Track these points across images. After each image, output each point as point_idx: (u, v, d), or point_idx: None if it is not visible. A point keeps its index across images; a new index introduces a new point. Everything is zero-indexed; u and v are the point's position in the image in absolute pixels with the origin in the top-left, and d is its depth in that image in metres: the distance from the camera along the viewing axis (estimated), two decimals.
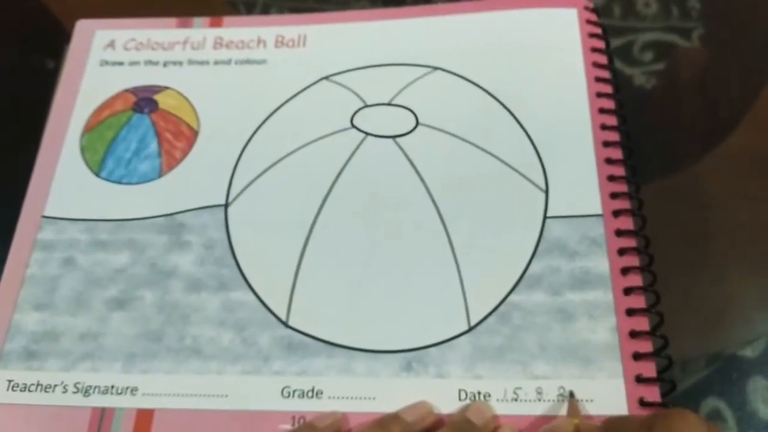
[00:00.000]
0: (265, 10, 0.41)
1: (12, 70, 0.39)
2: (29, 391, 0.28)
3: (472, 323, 0.28)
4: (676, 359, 0.27)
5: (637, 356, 0.27)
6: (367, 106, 0.33)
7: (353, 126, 0.33)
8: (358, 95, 0.34)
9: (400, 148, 0.32)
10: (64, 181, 0.32)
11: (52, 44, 0.39)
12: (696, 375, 0.30)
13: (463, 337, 0.28)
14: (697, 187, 0.35)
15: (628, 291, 0.28)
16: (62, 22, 0.39)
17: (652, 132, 0.36)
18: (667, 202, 0.34)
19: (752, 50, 0.39)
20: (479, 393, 0.27)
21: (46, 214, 0.32)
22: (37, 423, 0.27)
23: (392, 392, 0.27)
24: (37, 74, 0.39)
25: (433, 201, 0.31)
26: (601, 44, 0.34)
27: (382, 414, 0.26)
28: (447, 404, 0.26)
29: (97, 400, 0.28)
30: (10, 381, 0.28)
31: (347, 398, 0.27)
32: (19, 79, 0.39)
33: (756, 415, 0.29)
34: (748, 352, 0.31)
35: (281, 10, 0.41)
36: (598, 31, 0.34)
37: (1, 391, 0.28)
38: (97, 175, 0.33)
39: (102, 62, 0.36)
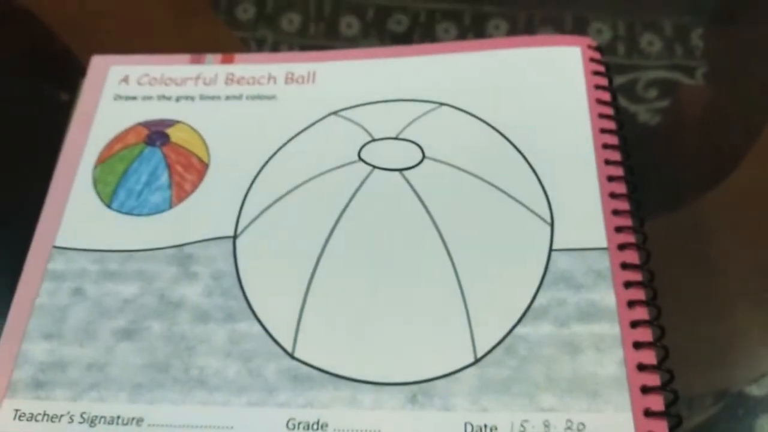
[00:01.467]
0: (275, 47, 0.42)
1: (25, 101, 0.40)
2: (36, 420, 0.28)
3: (479, 355, 0.28)
4: (682, 395, 0.26)
5: (645, 390, 0.26)
6: (374, 140, 0.34)
7: (360, 159, 0.33)
8: (365, 129, 0.34)
9: (407, 180, 0.33)
10: (75, 211, 0.33)
11: (66, 77, 0.40)
12: (703, 412, 0.30)
13: (469, 370, 0.28)
14: (700, 222, 0.35)
15: (634, 324, 0.28)
16: (76, 55, 0.40)
17: (655, 168, 0.36)
18: (670, 237, 0.34)
19: (754, 88, 0.40)
20: (485, 426, 0.26)
21: (57, 244, 0.32)
22: None
23: (398, 425, 0.27)
24: (50, 106, 0.40)
25: (439, 233, 0.31)
26: (604, 81, 0.34)
27: None
28: None
29: (104, 431, 0.27)
30: (17, 410, 0.28)
31: (352, 431, 0.27)
32: (32, 110, 0.40)
33: None
34: (755, 390, 0.30)
35: (291, 47, 0.42)
36: (602, 68, 0.35)
37: (7, 421, 0.28)
38: (109, 206, 0.33)
39: (116, 96, 0.37)
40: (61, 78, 0.41)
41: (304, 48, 0.41)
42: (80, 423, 0.28)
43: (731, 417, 0.30)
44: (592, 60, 0.35)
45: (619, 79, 0.39)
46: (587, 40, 0.36)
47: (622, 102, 0.38)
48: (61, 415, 0.28)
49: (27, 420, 0.28)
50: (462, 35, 0.42)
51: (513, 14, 0.43)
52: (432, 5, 0.44)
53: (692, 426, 0.29)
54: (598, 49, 0.35)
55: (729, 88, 0.40)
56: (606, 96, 0.34)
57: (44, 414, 0.28)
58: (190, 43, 0.40)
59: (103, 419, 0.28)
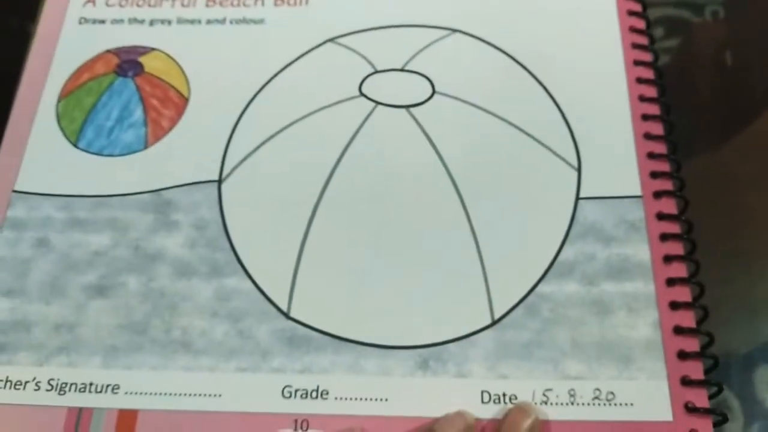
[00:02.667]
0: None
1: None
2: None
3: (496, 316, 0.25)
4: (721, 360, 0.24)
5: (683, 355, 0.24)
6: (377, 71, 0.30)
7: (362, 94, 0.30)
8: (367, 59, 0.30)
9: (414, 118, 0.29)
10: (37, 152, 0.29)
11: (27, 2, 0.35)
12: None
13: (486, 332, 0.25)
14: (730, 169, 0.33)
15: (671, 282, 0.25)
16: None
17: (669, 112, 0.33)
18: (697, 185, 0.31)
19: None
20: (504, 395, 0.24)
21: (18, 188, 0.28)
22: (5, 424, 0.25)
23: (407, 393, 0.24)
24: (15, 37, 0.35)
25: (452, 179, 0.28)
26: (638, 7, 0.30)
27: (395, 417, 0.23)
28: (468, 407, 0.24)
29: (74, 399, 0.25)
30: None
31: (356, 399, 0.24)
32: None
33: (763, 405, 0.28)
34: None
35: None
36: None
37: None
38: (75, 145, 0.29)
39: (81, 20, 0.32)
40: (27, 6, 0.37)
41: None
42: (47, 390, 0.25)
43: (730, 367, 0.28)
44: None
45: None
46: None
47: None
48: (26, 382, 0.25)
49: None
50: None
51: None
52: None
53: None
54: None
55: (743, 26, 0.37)
56: (640, 24, 0.30)
57: (6, 380, 0.25)
58: None
59: (73, 386, 0.25)
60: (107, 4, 0.33)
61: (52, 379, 0.25)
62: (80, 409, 0.24)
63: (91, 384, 0.25)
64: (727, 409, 0.28)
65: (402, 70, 0.30)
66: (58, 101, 0.30)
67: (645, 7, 0.31)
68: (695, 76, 0.36)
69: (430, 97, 0.29)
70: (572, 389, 0.24)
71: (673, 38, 0.36)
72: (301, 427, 0.24)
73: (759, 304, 0.29)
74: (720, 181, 0.33)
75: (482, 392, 0.24)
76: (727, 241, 0.30)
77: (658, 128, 0.28)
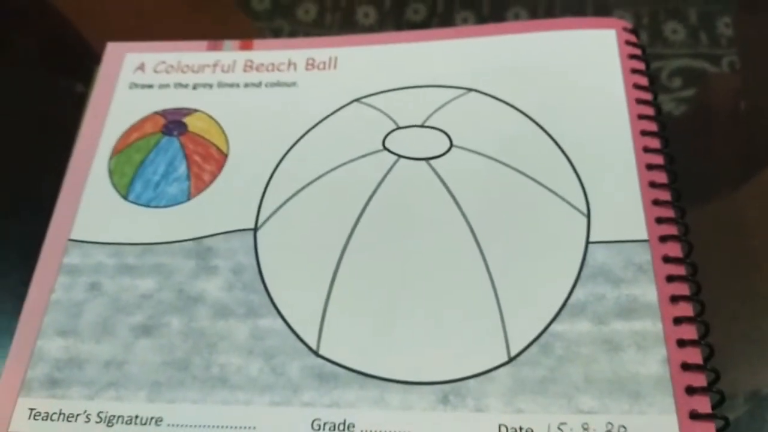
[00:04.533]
0: (292, 36, 0.41)
1: (41, 93, 0.39)
2: (51, 420, 0.27)
3: (513, 354, 0.26)
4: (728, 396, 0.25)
5: (691, 390, 0.25)
6: (399, 128, 0.33)
7: (385, 148, 0.32)
8: (390, 117, 0.33)
9: (434, 170, 0.31)
10: (91, 203, 0.32)
11: (82, 68, 0.39)
12: (735, 412, 0.29)
13: (502, 369, 0.26)
14: (738, 215, 0.34)
15: (678, 321, 0.26)
16: (92, 45, 0.39)
17: (683, 160, 0.35)
18: (707, 230, 0.33)
19: None
20: (521, 428, 0.25)
21: (73, 237, 0.31)
22: None
23: (428, 426, 0.25)
24: (65, 97, 0.39)
25: (469, 225, 0.29)
26: (641, 65, 0.33)
27: None
28: None
29: (121, 431, 0.26)
30: (32, 410, 0.27)
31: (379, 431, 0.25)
32: (47, 101, 0.39)
33: None
34: None
35: (307, 37, 0.41)
36: (638, 52, 0.33)
37: (22, 420, 0.27)
38: (125, 198, 0.32)
39: (131, 85, 0.35)
40: (75, 67, 0.40)
41: (322, 34, 0.40)
42: (97, 422, 0.27)
43: (761, 419, 0.28)
44: (628, 43, 0.33)
45: None
46: (622, 23, 0.34)
47: None
48: (78, 414, 0.27)
49: (42, 419, 0.27)
50: (481, 23, 0.40)
51: (533, 2, 0.41)
52: None
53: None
54: (633, 31, 0.34)
55: (758, 77, 0.38)
56: (643, 81, 0.32)
57: (60, 413, 0.27)
58: (206, 33, 0.38)
59: (120, 419, 0.27)
60: (155, 71, 0.36)
61: (101, 412, 0.27)
62: None
63: (137, 417, 0.27)
64: None
65: (422, 126, 0.33)
66: (111, 158, 0.33)
67: (648, 65, 0.33)
68: (711, 125, 0.37)
69: (448, 150, 0.32)
70: (585, 423, 0.25)
71: (690, 88, 0.37)
72: None
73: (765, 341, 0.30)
74: (729, 226, 0.34)
75: (500, 425, 0.25)
76: (735, 281, 0.31)
77: (662, 177, 0.29)
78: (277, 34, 0.41)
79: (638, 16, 0.40)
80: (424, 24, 0.41)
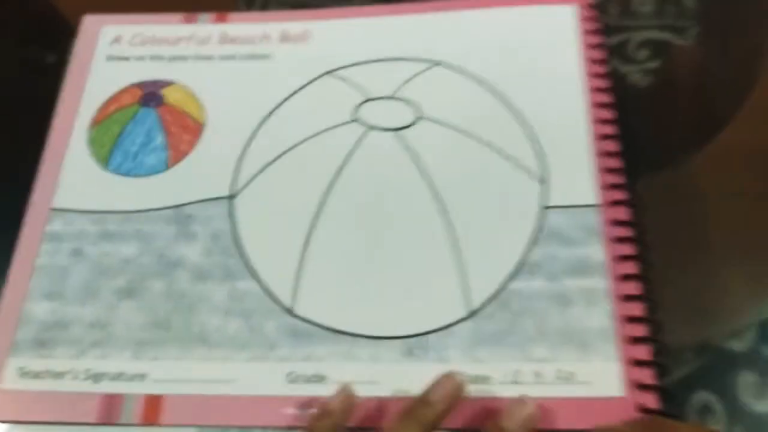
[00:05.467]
0: (265, 6, 0.41)
1: (11, 64, 0.40)
2: (40, 378, 0.29)
3: (472, 309, 0.29)
4: (669, 348, 0.28)
5: (632, 340, 0.27)
6: (369, 99, 0.34)
7: (356, 119, 0.34)
8: (360, 89, 0.34)
9: (402, 140, 0.33)
10: (72, 173, 0.33)
11: (54, 38, 0.39)
12: (685, 366, 0.31)
13: (463, 323, 0.28)
14: (689, 182, 0.36)
15: (623, 278, 0.29)
16: (67, 17, 0.39)
17: (645, 129, 0.36)
18: (660, 197, 0.35)
19: (743, 49, 0.40)
20: (479, 377, 0.27)
21: (55, 206, 0.32)
22: (47, 409, 0.28)
23: (394, 377, 0.28)
24: (37, 68, 0.39)
25: (434, 192, 0.31)
26: (597, 41, 0.34)
27: (385, 397, 0.27)
28: None
29: (107, 387, 0.28)
30: (21, 368, 0.29)
31: (351, 383, 0.28)
32: (19, 72, 0.39)
33: (745, 410, 0.29)
34: (736, 346, 0.31)
35: (282, 6, 0.41)
36: (595, 27, 0.35)
37: (13, 378, 0.29)
38: (105, 168, 0.33)
39: (108, 57, 0.36)
40: (48, 39, 0.40)
41: (295, 7, 0.41)
42: (84, 380, 0.28)
43: (714, 372, 0.30)
44: (586, 19, 0.35)
45: (611, 40, 0.39)
46: None
47: (613, 63, 0.38)
48: (65, 372, 0.29)
49: (32, 378, 0.29)
50: None
51: None
52: None
53: (675, 380, 0.30)
54: (592, 7, 0.35)
55: (719, 49, 0.39)
56: (599, 55, 0.34)
57: (48, 371, 0.29)
58: (182, 1, 0.39)
59: (106, 376, 0.28)
60: (131, 43, 0.37)
61: (88, 370, 0.29)
62: (112, 396, 0.28)
63: (121, 374, 0.28)
64: (711, 413, 0.29)
65: (391, 98, 0.34)
66: (89, 129, 0.34)
67: (604, 40, 0.35)
68: (672, 96, 0.38)
69: (416, 122, 0.33)
70: (538, 371, 0.27)
71: (656, 60, 0.38)
72: (303, 408, 0.27)
73: (708, 303, 0.32)
74: (678, 192, 0.36)
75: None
76: (680, 242, 0.33)
77: (613, 146, 0.32)
78: (249, 5, 0.41)
79: None
80: None
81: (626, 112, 0.33)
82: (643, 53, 0.38)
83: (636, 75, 0.38)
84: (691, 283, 0.33)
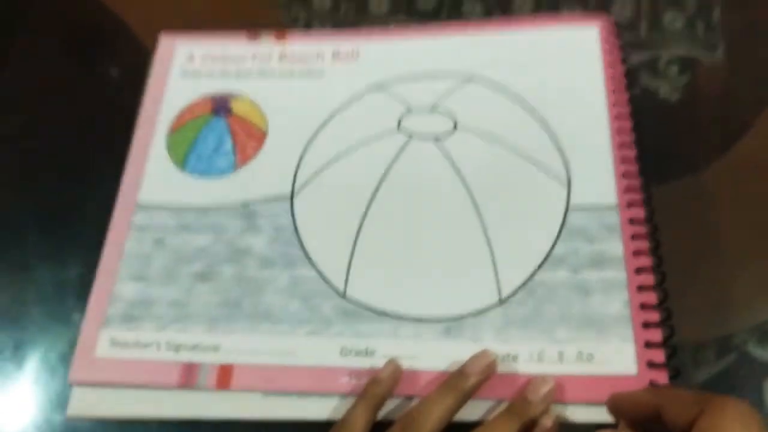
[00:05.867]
0: (308, 25, 0.44)
1: (90, 77, 0.44)
2: (128, 347, 0.33)
3: (503, 296, 0.33)
4: (685, 345, 0.31)
5: (646, 325, 0.31)
6: (411, 111, 0.38)
7: (399, 129, 0.38)
8: (403, 102, 0.39)
9: (441, 148, 0.37)
10: (153, 174, 0.38)
11: (125, 53, 0.44)
12: (708, 366, 0.33)
13: (495, 309, 0.32)
14: (701, 189, 0.37)
15: (639, 270, 0.32)
16: (135, 33, 0.44)
17: (671, 139, 0.39)
18: (678, 201, 0.37)
19: (763, 65, 0.41)
20: (508, 355, 0.31)
21: (139, 202, 0.37)
22: (135, 374, 0.33)
23: (434, 352, 0.32)
24: (104, 79, 0.43)
25: (469, 193, 0.35)
26: (619, 57, 0.38)
27: (425, 369, 0.31)
28: None
29: (186, 356, 0.33)
30: (112, 339, 0.34)
31: (395, 356, 0.32)
32: (97, 85, 0.44)
33: None
34: (759, 352, 0.33)
35: (323, 25, 0.44)
36: (617, 45, 0.39)
37: (105, 348, 0.33)
38: (182, 169, 0.38)
39: (183, 72, 0.41)
40: (121, 53, 0.45)
41: (337, 26, 0.44)
42: (166, 350, 0.33)
43: (740, 377, 0.32)
44: (608, 38, 0.39)
45: (641, 56, 0.41)
46: (605, 18, 0.39)
47: (644, 78, 0.40)
48: (150, 343, 0.33)
49: (121, 347, 0.33)
50: (488, 12, 0.44)
51: None
52: None
53: (702, 381, 0.32)
54: (613, 27, 0.39)
55: (741, 65, 0.41)
56: (619, 71, 0.38)
57: (135, 342, 0.33)
58: (238, 17, 0.42)
59: (185, 347, 0.33)
60: (202, 60, 0.42)
61: (169, 341, 0.33)
62: (191, 364, 0.33)
63: (198, 345, 0.33)
64: None
65: (431, 110, 0.38)
66: (168, 136, 0.39)
67: (625, 57, 0.39)
68: (699, 110, 0.40)
69: (453, 131, 0.37)
70: (561, 351, 0.31)
71: (686, 75, 0.40)
72: (354, 377, 0.31)
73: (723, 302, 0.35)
74: (692, 197, 0.38)
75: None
76: (692, 240, 0.36)
77: (631, 153, 0.35)
78: (294, 22, 0.44)
79: (638, 4, 0.42)
80: (434, 12, 0.44)
81: (655, 124, 0.36)
82: (674, 69, 0.40)
83: (666, 90, 0.40)
84: (705, 279, 0.35)
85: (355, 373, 0.31)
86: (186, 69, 0.42)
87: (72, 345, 0.34)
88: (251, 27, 0.42)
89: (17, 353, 0.35)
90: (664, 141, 0.37)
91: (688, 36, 0.42)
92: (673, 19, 0.42)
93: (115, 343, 0.34)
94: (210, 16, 0.44)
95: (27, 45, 0.46)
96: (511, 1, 0.44)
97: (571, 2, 0.43)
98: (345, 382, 0.31)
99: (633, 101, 0.37)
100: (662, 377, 0.30)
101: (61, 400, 0.33)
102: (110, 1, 0.46)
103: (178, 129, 0.40)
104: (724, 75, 0.41)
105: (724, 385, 0.32)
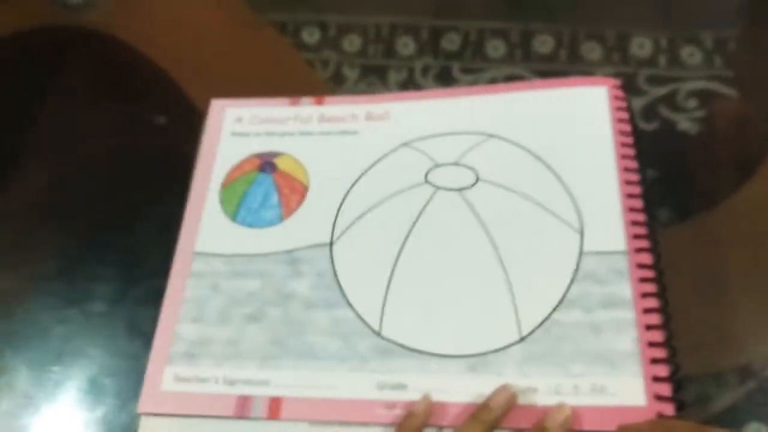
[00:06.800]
0: (338, 67, 0.47)
1: (148, 134, 0.49)
2: (189, 382, 0.37)
3: (523, 335, 0.36)
4: (708, 373, 0.34)
5: (654, 361, 0.34)
6: (437, 165, 0.42)
7: (426, 182, 0.42)
8: (430, 157, 0.43)
9: (464, 198, 0.41)
10: (208, 225, 0.43)
11: (181, 113, 0.49)
12: (732, 392, 0.36)
13: (515, 346, 0.36)
14: (706, 232, 0.40)
15: (646, 311, 0.35)
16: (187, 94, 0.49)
17: (690, 173, 0.41)
18: (689, 242, 0.40)
19: None
20: (528, 388, 0.34)
21: (197, 250, 0.42)
22: (196, 406, 0.37)
23: (460, 386, 0.35)
24: (154, 128, 0.47)
25: (491, 239, 0.39)
26: (626, 115, 0.42)
27: (452, 402, 0.34)
28: None
29: (240, 390, 0.37)
30: (176, 375, 0.38)
31: (425, 390, 0.35)
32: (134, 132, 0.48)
33: None
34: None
35: (353, 66, 0.47)
36: (624, 104, 0.42)
37: (170, 382, 0.38)
38: (233, 220, 0.43)
39: (233, 133, 0.46)
40: (177, 114, 0.50)
41: (364, 67, 0.47)
42: (222, 384, 0.37)
43: (765, 403, 0.34)
44: (616, 97, 0.42)
45: (660, 90, 0.42)
46: (612, 81, 0.43)
47: (663, 111, 0.41)
48: (208, 378, 0.37)
49: (183, 382, 0.38)
50: (510, 51, 0.46)
51: (558, 31, 0.46)
52: (482, 24, 0.47)
53: (726, 407, 0.34)
54: (620, 87, 0.43)
55: (752, 99, 0.42)
56: (627, 127, 0.41)
57: (196, 377, 0.38)
58: (279, 81, 0.47)
59: (239, 381, 0.37)
60: (250, 122, 0.47)
61: (225, 377, 0.37)
62: (245, 397, 0.36)
63: (250, 380, 0.37)
64: None
65: (455, 164, 0.42)
66: (220, 190, 0.44)
67: (632, 115, 0.42)
68: (715, 144, 0.42)
69: (476, 183, 0.41)
70: (576, 384, 0.34)
71: (704, 109, 0.41)
72: (389, 409, 0.35)
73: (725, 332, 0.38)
74: (697, 240, 0.40)
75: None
76: (695, 282, 0.39)
77: (639, 204, 0.39)
78: (325, 64, 0.47)
79: (657, 41, 0.44)
80: (458, 52, 0.45)
81: (673, 158, 0.37)
82: (692, 102, 0.42)
83: (685, 123, 0.42)
84: (707, 317, 0.38)
85: (390, 405, 0.35)
86: (235, 130, 0.46)
87: (140, 380, 0.38)
88: (289, 86, 0.46)
89: (93, 388, 0.39)
90: (683, 175, 0.39)
91: (706, 70, 0.43)
92: (692, 54, 0.44)
93: (178, 378, 0.38)
94: (250, 79, 0.47)
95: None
96: (532, 43, 0.46)
97: (591, 43, 0.45)
98: (381, 414, 0.35)
99: (652, 134, 0.38)
100: (669, 409, 0.33)
101: (131, 430, 0.37)
102: (160, 58, 0.50)
103: (229, 184, 0.44)
104: (735, 110, 0.42)
105: (751, 410, 0.34)
